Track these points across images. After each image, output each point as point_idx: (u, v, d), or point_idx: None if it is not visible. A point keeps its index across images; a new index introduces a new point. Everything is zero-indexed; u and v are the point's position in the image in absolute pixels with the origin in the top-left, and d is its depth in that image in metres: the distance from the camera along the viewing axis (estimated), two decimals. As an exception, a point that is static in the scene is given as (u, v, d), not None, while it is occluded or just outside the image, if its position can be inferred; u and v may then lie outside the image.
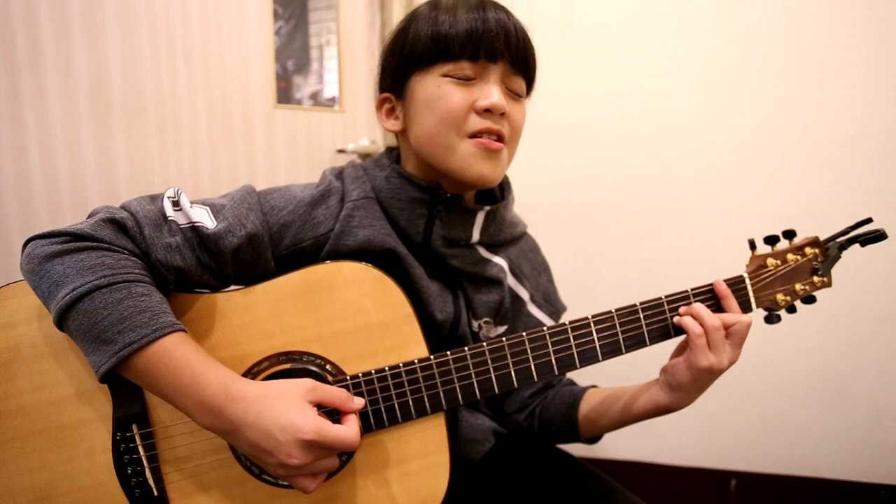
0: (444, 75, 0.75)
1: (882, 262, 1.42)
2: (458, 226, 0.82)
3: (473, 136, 0.75)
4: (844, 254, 0.80)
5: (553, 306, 0.93)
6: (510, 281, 0.88)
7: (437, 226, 0.80)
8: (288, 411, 0.62)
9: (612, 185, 1.63)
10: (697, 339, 0.73)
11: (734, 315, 0.75)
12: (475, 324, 0.84)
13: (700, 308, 0.75)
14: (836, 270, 0.80)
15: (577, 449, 0.94)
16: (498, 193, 0.89)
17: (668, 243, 1.60)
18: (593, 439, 0.90)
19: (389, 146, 0.88)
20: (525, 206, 0.96)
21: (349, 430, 0.64)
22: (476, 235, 0.83)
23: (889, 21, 1.40)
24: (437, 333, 0.80)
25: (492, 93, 0.74)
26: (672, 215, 1.59)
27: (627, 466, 1.70)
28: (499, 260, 0.86)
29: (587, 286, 1.65)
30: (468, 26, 0.73)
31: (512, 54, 0.75)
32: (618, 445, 1.70)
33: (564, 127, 1.64)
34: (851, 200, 1.45)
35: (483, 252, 0.85)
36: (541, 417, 0.91)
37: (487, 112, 0.74)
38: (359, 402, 0.68)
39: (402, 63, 0.79)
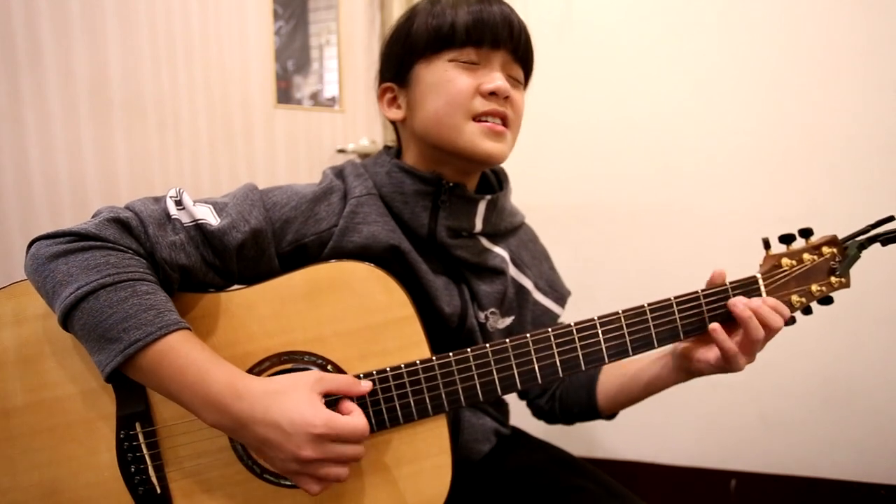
0: (450, 60, 0.78)
1: (882, 262, 1.42)
2: (462, 215, 0.82)
3: (479, 117, 0.78)
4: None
5: (558, 292, 0.95)
6: (512, 271, 0.88)
7: (441, 216, 0.81)
8: (297, 405, 0.62)
9: (612, 185, 1.63)
10: (757, 344, 0.75)
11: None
12: (481, 315, 0.85)
13: (765, 310, 0.74)
14: (835, 270, 0.80)
15: (577, 449, 0.94)
16: (496, 184, 0.91)
17: (667, 243, 1.60)
18: (612, 416, 0.94)
19: (387, 144, 0.89)
20: (525, 206, 0.96)
21: (357, 420, 0.64)
22: (479, 225, 0.84)
23: (889, 21, 1.40)
24: (445, 327, 0.81)
25: (496, 77, 0.77)
26: (672, 215, 1.60)
27: (627, 466, 1.69)
28: (500, 250, 0.87)
29: (587, 286, 1.64)
30: (473, 16, 0.77)
31: (514, 44, 0.79)
32: (618, 445, 1.70)
33: (564, 127, 1.64)
34: (852, 200, 1.45)
35: (485, 242, 0.86)
36: (562, 400, 0.94)
37: (492, 95, 0.77)
38: (366, 384, 0.69)
39: (406, 52, 0.81)
